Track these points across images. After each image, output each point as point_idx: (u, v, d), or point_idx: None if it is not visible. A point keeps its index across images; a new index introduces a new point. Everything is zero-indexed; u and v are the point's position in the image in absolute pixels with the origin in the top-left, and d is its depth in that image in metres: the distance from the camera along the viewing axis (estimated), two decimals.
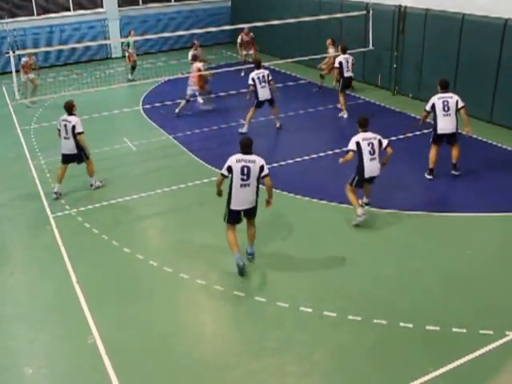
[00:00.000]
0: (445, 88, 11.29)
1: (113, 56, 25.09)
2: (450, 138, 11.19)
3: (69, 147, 11.24)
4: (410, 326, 7.21)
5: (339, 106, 15.95)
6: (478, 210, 10.17)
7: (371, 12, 17.36)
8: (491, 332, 7.03)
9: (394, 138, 13.74)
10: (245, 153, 8.33)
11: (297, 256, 9.04)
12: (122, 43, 22.40)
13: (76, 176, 12.10)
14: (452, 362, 6.55)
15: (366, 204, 10.33)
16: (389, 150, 9.71)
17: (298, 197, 11.02)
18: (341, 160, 9.80)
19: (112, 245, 9.51)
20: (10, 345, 7.35)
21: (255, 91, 14.29)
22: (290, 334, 7.24)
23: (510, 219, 9.86)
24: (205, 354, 7.04)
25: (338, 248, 9.22)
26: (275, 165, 12.22)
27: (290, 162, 12.72)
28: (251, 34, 20.58)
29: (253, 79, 14.25)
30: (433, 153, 11.29)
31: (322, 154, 13.00)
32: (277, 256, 9.06)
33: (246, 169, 8.23)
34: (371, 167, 9.61)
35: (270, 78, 14.49)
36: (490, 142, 13.42)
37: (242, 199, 8.38)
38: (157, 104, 17.66)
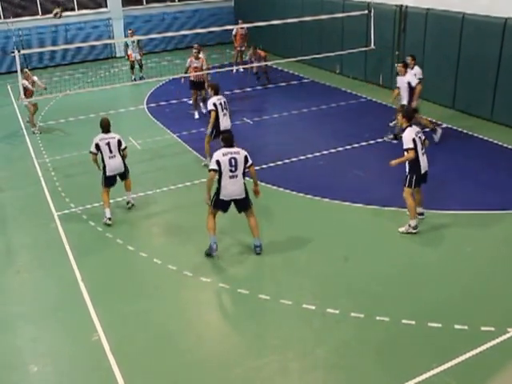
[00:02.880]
0: None
1: (117, 55, 25.17)
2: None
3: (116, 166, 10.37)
4: (413, 322, 7.26)
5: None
6: (479, 207, 10.24)
7: (373, 12, 17.40)
8: (493, 329, 7.08)
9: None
10: (228, 146, 8.76)
11: (300, 254, 9.08)
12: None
13: (81, 174, 12.19)
14: (455, 358, 6.61)
15: (420, 214, 9.81)
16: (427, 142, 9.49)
17: (301, 195, 11.07)
18: (395, 162, 9.32)
19: (116, 243, 9.58)
20: (15, 343, 7.41)
21: (216, 119, 12.00)
22: (294, 331, 7.30)
23: (508, 216, 9.94)
24: (209, 351, 7.10)
25: (341, 246, 9.26)
26: (275, 164, 12.26)
27: (294, 159, 12.81)
28: (245, 27, 20.32)
29: (214, 105, 11.93)
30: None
31: (332, 151, 13.09)
32: (280, 254, 9.10)
33: (233, 160, 8.66)
34: (425, 161, 9.30)
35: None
36: (490, 140, 13.47)
37: (231, 190, 8.75)
38: (162, 103, 17.73)
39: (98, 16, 24.82)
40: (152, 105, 17.77)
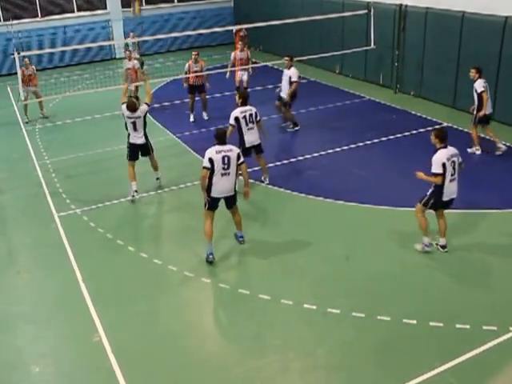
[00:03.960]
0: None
1: (117, 56, 25.14)
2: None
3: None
4: (414, 322, 7.25)
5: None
6: (480, 206, 10.23)
7: (372, 11, 17.40)
8: (495, 328, 7.07)
9: (393, 137, 13.86)
10: (221, 143, 8.71)
11: (300, 254, 9.07)
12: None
13: (81, 175, 12.20)
14: (457, 358, 6.59)
15: (443, 246, 8.84)
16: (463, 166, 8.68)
17: (302, 195, 11.06)
18: (421, 176, 8.55)
19: (117, 244, 9.57)
20: (16, 343, 7.41)
21: (240, 134, 10.97)
22: (294, 331, 7.29)
23: (509, 215, 9.93)
24: (209, 351, 7.10)
25: (341, 246, 9.26)
26: (274, 164, 12.25)
27: (294, 160, 12.80)
28: (244, 30, 20.26)
29: (236, 119, 10.86)
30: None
31: (333, 151, 13.08)
32: (281, 254, 9.10)
33: (226, 158, 8.62)
34: (451, 188, 8.45)
35: (259, 117, 11.09)
36: (491, 139, 13.44)
37: (222, 188, 8.75)
38: (162, 103, 17.71)
39: (97, 17, 24.81)
40: (153, 106, 17.72)
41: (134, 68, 16.28)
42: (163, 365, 6.81)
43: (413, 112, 15.64)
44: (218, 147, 8.67)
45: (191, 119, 16.03)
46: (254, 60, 19.00)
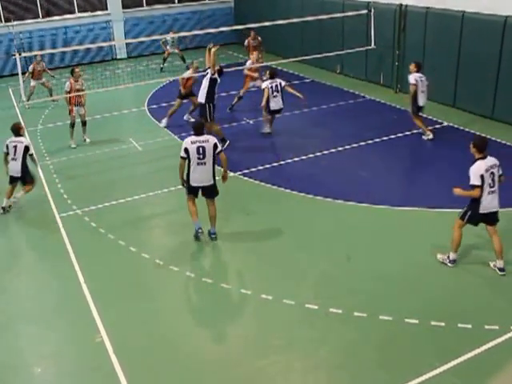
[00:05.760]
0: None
1: (118, 57, 25.18)
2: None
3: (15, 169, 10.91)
4: (416, 321, 7.25)
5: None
6: None
7: (372, 11, 17.41)
8: (496, 327, 7.07)
9: (394, 136, 13.87)
10: (198, 134, 9.07)
11: (302, 254, 9.07)
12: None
13: (83, 176, 12.21)
14: (458, 357, 6.59)
15: (501, 270, 8.22)
16: (502, 178, 8.21)
17: (302, 194, 11.06)
18: (459, 191, 8.16)
19: (119, 244, 9.58)
20: (18, 344, 7.41)
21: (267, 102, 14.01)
22: (297, 331, 7.29)
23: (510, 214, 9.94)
24: (212, 351, 7.09)
25: (342, 245, 9.26)
26: (275, 164, 12.24)
27: (296, 159, 12.80)
28: (258, 37, 20.04)
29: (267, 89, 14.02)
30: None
31: (334, 150, 13.09)
32: (282, 254, 9.11)
33: (201, 149, 8.96)
34: (490, 201, 8.00)
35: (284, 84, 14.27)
36: (492, 138, 13.44)
37: (199, 177, 9.13)
38: (163, 104, 17.71)
39: (98, 18, 24.82)
40: (153, 106, 17.77)
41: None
42: (165, 365, 6.81)
43: None
44: (193, 138, 9.04)
45: (162, 124, 15.65)
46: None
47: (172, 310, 7.92)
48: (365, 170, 12.08)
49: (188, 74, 15.27)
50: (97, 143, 14.53)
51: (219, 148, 9.15)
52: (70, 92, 13.93)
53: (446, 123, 14.48)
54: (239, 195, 11.28)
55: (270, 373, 6.62)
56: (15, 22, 22.69)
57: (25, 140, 11.15)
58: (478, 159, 8.02)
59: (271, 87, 13.97)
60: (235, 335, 7.45)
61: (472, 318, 7.29)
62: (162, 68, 22.19)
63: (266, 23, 16.87)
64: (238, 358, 6.94)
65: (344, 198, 10.72)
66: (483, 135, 8.92)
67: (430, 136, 13.54)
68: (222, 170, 9.42)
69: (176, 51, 22.58)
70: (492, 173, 7.97)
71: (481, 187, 7.87)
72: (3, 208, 10.94)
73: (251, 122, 15.64)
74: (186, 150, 8.98)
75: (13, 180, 11.01)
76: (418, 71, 13.40)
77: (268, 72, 14.48)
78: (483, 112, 14.79)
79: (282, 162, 12.68)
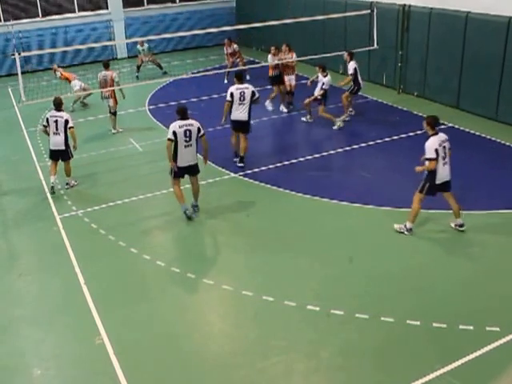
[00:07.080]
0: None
1: (118, 57, 25.16)
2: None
3: (57, 142, 11.50)
4: (417, 323, 7.22)
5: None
6: (482, 207, 10.19)
7: (375, 11, 17.35)
8: (498, 329, 7.04)
9: (396, 137, 13.82)
10: (183, 118, 9.84)
11: (303, 255, 9.04)
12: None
13: (82, 177, 12.17)
14: (459, 359, 6.57)
15: (461, 225, 9.38)
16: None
17: (303, 195, 11.02)
18: (418, 169, 9.18)
19: (119, 245, 9.54)
20: (18, 346, 7.39)
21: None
22: (298, 332, 7.26)
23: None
24: (213, 353, 7.07)
25: (344, 246, 9.23)
26: (280, 164, 12.21)
27: (298, 160, 12.76)
28: (234, 45, 19.84)
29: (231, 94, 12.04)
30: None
31: (335, 151, 13.05)
32: (284, 255, 9.07)
33: (188, 132, 9.78)
34: (444, 171, 9.02)
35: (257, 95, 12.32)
36: (493, 139, 13.42)
37: (186, 157, 9.97)
38: (163, 104, 17.69)
39: (98, 18, 24.80)
40: (153, 106, 17.74)
41: None
42: (166, 367, 6.78)
43: (416, 112, 15.57)
44: (180, 122, 9.80)
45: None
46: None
47: (173, 312, 7.88)
48: (367, 171, 12.03)
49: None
50: (97, 143, 14.49)
51: (202, 131, 9.97)
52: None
53: (449, 124, 14.39)
54: (240, 196, 11.25)
55: (272, 374, 6.60)
56: (14, 22, 22.66)
57: (65, 114, 11.54)
58: (432, 135, 8.98)
59: (238, 93, 12.07)
60: (236, 337, 7.42)
61: (474, 319, 7.25)
62: (137, 76, 21.35)
63: (268, 23, 16.84)
64: (239, 359, 6.90)
65: (346, 199, 10.67)
66: (435, 115, 9.35)
67: (340, 125, 14.58)
68: (204, 151, 10.20)
69: (149, 59, 21.78)
70: (444, 147, 8.93)
71: (436, 159, 8.78)
72: (52, 187, 11.42)
73: (252, 122, 15.55)
74: (174, 133, 9.69)
75: (53, 155, 11.56)
76: (351, 59, 15.15)
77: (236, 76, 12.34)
78: (487, 113, 14.72)
79: (286, 163, 12.62)
